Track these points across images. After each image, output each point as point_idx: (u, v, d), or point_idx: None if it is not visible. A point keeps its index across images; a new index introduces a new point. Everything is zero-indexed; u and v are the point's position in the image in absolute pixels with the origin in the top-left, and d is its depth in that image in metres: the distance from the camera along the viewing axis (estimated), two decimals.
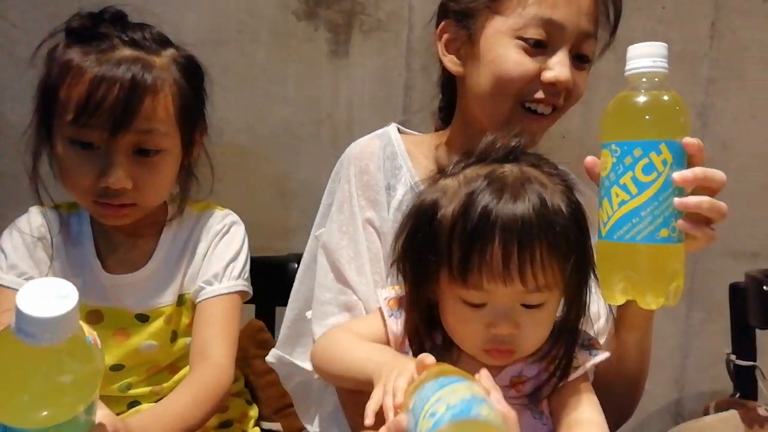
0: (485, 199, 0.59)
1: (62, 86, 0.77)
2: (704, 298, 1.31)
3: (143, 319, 0.87)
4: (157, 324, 0.87)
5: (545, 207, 0.59)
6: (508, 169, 0.63)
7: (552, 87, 0.76)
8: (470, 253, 0.59)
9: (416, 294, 0.67)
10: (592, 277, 0.65)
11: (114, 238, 0.88)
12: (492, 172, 0.62)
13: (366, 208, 0.81)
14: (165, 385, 0.87)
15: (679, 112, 0.61)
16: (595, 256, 0.63)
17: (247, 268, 0.91)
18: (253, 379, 1.01)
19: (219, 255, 0.89)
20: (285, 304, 0.91)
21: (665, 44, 0.61)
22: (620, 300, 0.61)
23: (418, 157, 0.85)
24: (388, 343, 0.69)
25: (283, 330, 0.89)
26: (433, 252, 0.63)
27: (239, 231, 0.92)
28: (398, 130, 0.88)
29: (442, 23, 0.82)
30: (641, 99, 0.61)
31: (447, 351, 0.68)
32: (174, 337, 0.88)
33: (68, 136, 0.78)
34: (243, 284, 0.90)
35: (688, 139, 0.59)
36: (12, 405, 0.45)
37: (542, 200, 0.60)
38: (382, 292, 0.72)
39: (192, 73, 0.85)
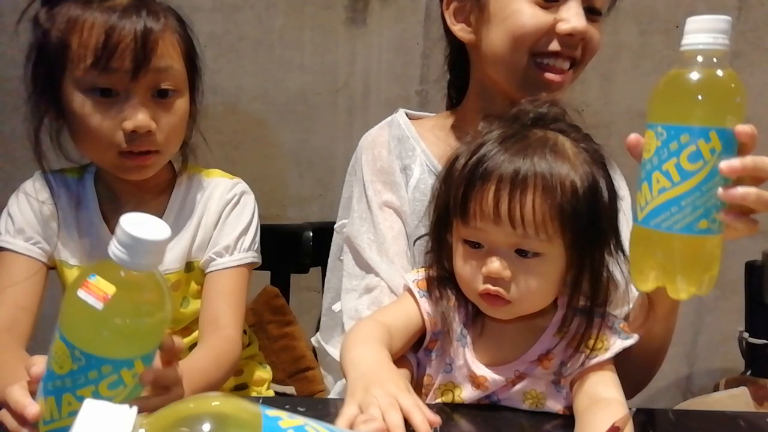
0: (494, 150, 0.62)
1: (72, 39, 0.76)
2: (719, 275, 1.30)
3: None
4: None
5: (548, 172, 0.61)
6: (533, 131, 0.65)
7: (568, 38, 0.75)
8: (468, 191, 0.62)
9: (438, 246, 0.69)
10: (615, 256, 0.66)
11: (120, 200, 0.88)
12: (513, 130, 0.65)
13: (383, 192, 0.82)
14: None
15: (733, 96, 0.56)
16: (628, 238, 0.61)
17: (257, 238, 0.91)
18: (268, 343, 1.03)
19: (230, 226, 0.89)
20: (299, 271, 0.92)
21: (728, 18, 0.55)
22: (650, 287, 0.59)
23: (429, 138, 0.86)
24: (423, 324, 0.69)
25: (322, 317, 0.91)
26: (445, 198, 0.66)
27: (249, 201, 0.92)
28: (406, 115, 0.88)
29: None
30: (694, 79, 0.55)
31: (473, 319, 0.70)
32: (184, 302, 0.90)
33: (86, 86, 0.78)
34: (253, 256, 0.90)
35: (740, 127, 0.55)
36: (99, 335, 0.49)
37: (549, 165, 0.61)
38: (409, 275, 0.73)
39: (185, 23, 0.85)
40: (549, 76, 0.76)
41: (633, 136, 0.60)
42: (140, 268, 0.49)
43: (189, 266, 0.90)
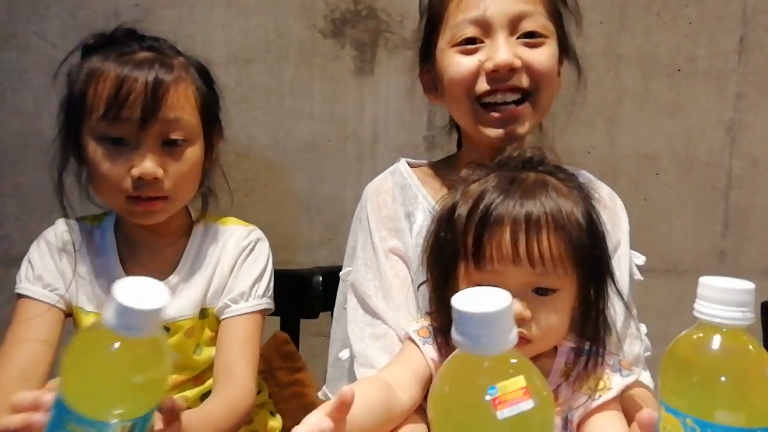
0: (501, 194, 0.63)
1: (89, 90, 0.80)
2: None
3: (165, 330, 0.88)
4: (177, 337, 0.88)
5: (558, 210, 0.62)
6: (526, 174, 0.66)
7: (495, 74, 0.77)
8: (482, 236, 0.62)
9: (441, 295, 0.68)
10: (613, 295, 0.66)
11: (137, 249, 0.90)
12: (510, 175, 0.66)
13: (388, 239, 0.82)
14: (189, 394, 0.89)
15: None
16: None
17: (271, 285, 0.92)
18: (277, 390, 1.02)
19: (245, 273, 0.90)
20: (309, 316, 0.92)
21: (752, 286, 0.46)
22: None
23: (432, 183, 0.87)
24: (430, 371, 0.68)
25: (329, 369, 0.89)
26: (452, 245, 0.66)
27: (264, 248, 0.94)
28: (408, 163, 0.90)
29: (419, 71, 0.88)
30: (725, 366, 0.45)
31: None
32: (197, 349, 0.90)
33: (98, 135, 0.81)
34: (267, 302, 0.91)
35: None
36: (93, 397, 0.46)
37: (556, 203, 0.63)
38: (409, 326, 0.73)
39: (206, 75, 0.89)
40: (494, 115, 0.78)
41: (645, 415, 0.51)
42: (135, 335, 0.46)
43: (203, 313, 0.90)
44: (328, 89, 1.26)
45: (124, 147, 0.81)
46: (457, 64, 0.79)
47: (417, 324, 0.72)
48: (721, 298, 0.46)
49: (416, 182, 0.87)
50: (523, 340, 0.63)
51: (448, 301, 0.67)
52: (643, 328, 0.83)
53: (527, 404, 0.40)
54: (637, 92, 1.29)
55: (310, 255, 1.23)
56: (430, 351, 0.69)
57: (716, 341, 0.46)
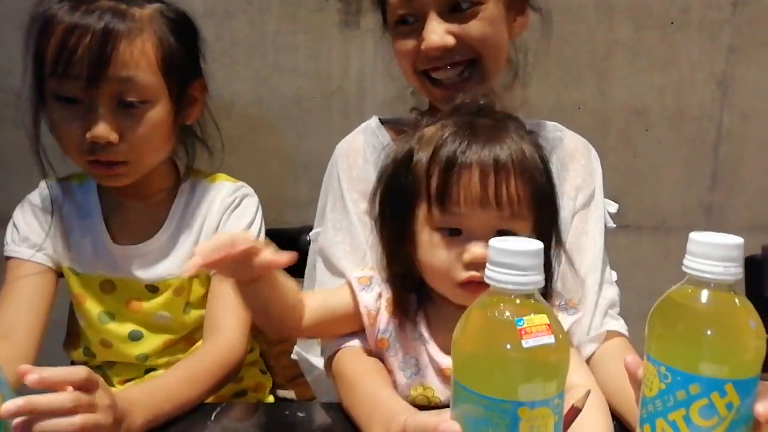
0: (464, 138, 0.64)
1: (42, 41, 0.75)
2: None
3: (153, 290, 0.88)
4: (165, 296, 0.87)
5: (520, 150, 0.64)
6: (484, 120, 0.67)
7: (430, 55, 0.78)
8: (448, 180, 0.63)
9: (395, 245, 0.69)
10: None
11: (122, 207, 0.88)
12: (468, 120, 0.67)
13: (359, 201, 0.82)
14: (181, 356, 0.88)
15: (752, 337, 0.47)
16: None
17: (261, 240, 0.91)
18: (267, 348, 1.03)
19: (230, 228, 0.88)
20: (297, 275, 0.91)
21: (741, 242, 0.47)
22: None
23: None
24: (354, 317, 0.70)
25: None
26: (410, 191, 0.66)
27: (251, 203, 0.92)
28: (381, 120, 0.89)
29: None
30: (704, 319, 0.47)
31: (427, 311, 0.70)
32: (187, 308, 0.89)
33: (52, 93, 0.77)
34: None
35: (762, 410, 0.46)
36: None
37: (518, 146, 0.64)
38: (351, 273, 0.74)
39: (180, 26, 0.82)
40: (439, 92, 0.80)
41: (631, 362, 0.53)
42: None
43: None
44: (312, 43, 1.22)
45: (78, 107, 0.76)
46: (398, 44, 0.81)
47: (361, 272, 0.73)
48: (709, 254, 0.46)
49: (387, 140, 0.85)
50: (484, 285, 0.64)
51: (399, 249, 0.69)
52: (614, 274, 0.84)
53: (549, 339, 0.43)
54: (628, 45, 1.26)
55: (298, 214, 1.22)
56: (366, 298, 0.70)
57: (703, 296, 0.47)
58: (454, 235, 0.64)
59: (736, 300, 0.47)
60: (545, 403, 0.43)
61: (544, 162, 0.67)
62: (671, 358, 0.47)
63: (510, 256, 0.44)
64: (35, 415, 0.53)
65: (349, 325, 0.71)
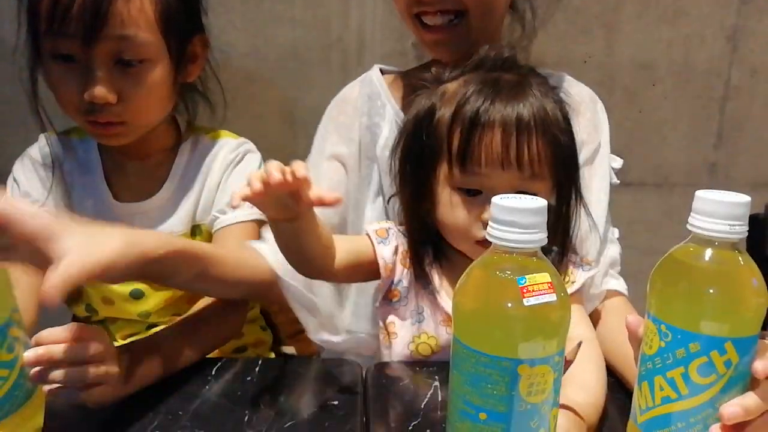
0: (488, 96, 0.62)
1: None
2: None
3: None
4: None
5: (543, 109, 0.63)
6: (507, 75, 0.66)
7: None
8: (471, 139, 0.62)
9: (413, 201, 0.69)
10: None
11: (123, 164, 0.87)
12: (491, 76, 0.65)
13: (338, 144, 0.83)
14: (183, 314, 0.88)
15: (754, 296, 0.46)
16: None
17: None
18: (267, 305, 1.03)
19: (233, 184, 0.87)
20: None
21: (748, 200, 0.46)
22: None
23: (404, 91, 0.85)
24: (375, 266, 0.71)
25: None
26: (432, 148, 0.65)
27: (254, 159, 0.91)
28: (381, 71, 0.88)
29: None
30: (707, 278, 0.46)
31: (440, 263, 0.71)
32: None
33: (49, 51, 0.75)
34: (258, 212, 0.89)
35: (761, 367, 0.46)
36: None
37: (541, 104, 0.63)
38: (368, 226, 0.74)
39: None
40: (428, 36, 0.78)
41: (632, 321, 0.53)
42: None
43: (195, 230, 0.89)
44: None
45: (75, 65, 0.74)
46: None
47: (377, 225, 0.73)
48: (714, 212, 0.46)
49: (386, 91, 0.85)
50: None
51: (419, 208, 0.69)
52: (615, 232, 0.84)
53: (550, 297, 0.43)
54: None
55: None
56: (384, 251, 0.71)
57: (707, 254, 0.47)
58: (474, 194, 0.64)
59: (740, 258, 0.47)
60: (545, 360, 0.43)
61: (566, 118, 0.66)
62: (672, 316, 0.47)
63: (513, 214, 0.43)
64: (51, 364, 0.54)
65: (372, 273, 0.72)
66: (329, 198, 0.56)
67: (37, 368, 0.54)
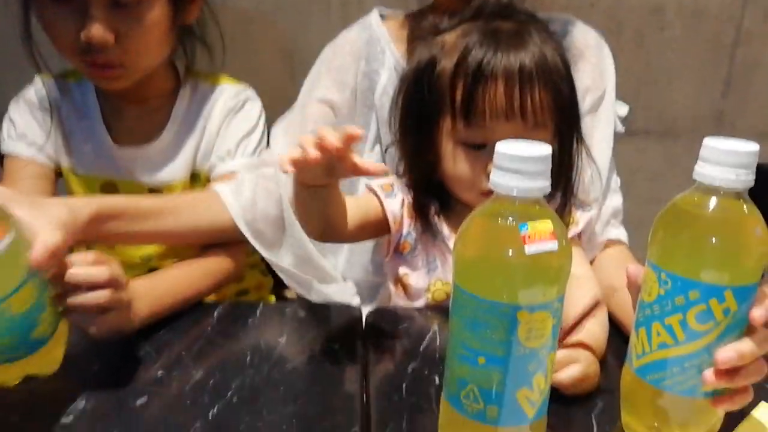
0: (487, 47, 0.61)
1: None
2: None
3: (157, 193, 0.87)
4: None
5: (544, 58, 0.62)
6: (506, 23, 0.64)
7: None
8: (474, 91, 0.61)
9: (416, 154, 0.68)
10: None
11: (122, 108, 0.86)
12: (489, 26, 0.64)
13: (330, 89, 0.81)
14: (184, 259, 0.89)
15: (756, 246, 0.46)
16: (622, 380, 0.55)
17: (264, 144, 0.89)
18: None
19: (232, 131, 0.86)
20: None
21: (756, 149, 0.45)
22: None
23: (401, 38, 0.83)
24: (384, 223, 0.70)
25: None
26: (434, 102, 0.64)
27: (254, 107, 0.89)
28: (381, 15, 0.86)
29: None
30: (710, 227, 0.46)
31: (447, 214, 0.71)
32: None
33: None
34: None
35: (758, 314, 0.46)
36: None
37: (541, 52, 0.62)
38: (372, 182, 0.73)
39: None
40: None
41: (632, 270, 0.53)
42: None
43: (194, 176, 0.88)
44: None
45: (71, 5, 0.72)
46: None
47: (382, 180, 0.72)
48: (721, 160, 0.45)
49: (385, 36, 0.83)
50: None
51: (422, 161, 0.68)
52: (617, 180, 0.84)
53: (552, 245, 0.43)
54: None
55: None
56: (391, 205, 0.70)
57: (712, 203, 0.46)
58: (479, 148, 0.63)
59: (744, 207, 0.46)
60: (545, 306, 0.43)
61: (566, 64, 0.65)
62: (673, 264, 0.47)
63: (516, 161, 0.42)
64: (71, 286, 0.55)
65: (380, 229, 0.72)
66: (375, 168, 0.55)
67: (59, 291, 0.54)
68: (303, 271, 0.83)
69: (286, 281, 0.79)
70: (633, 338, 0.51)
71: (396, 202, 0.71)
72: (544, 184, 0.43)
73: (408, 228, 0.71)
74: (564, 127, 0.65)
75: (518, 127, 0.62)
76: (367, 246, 0.86)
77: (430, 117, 0.65)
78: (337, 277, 0.83)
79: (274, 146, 0.82)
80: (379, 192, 0.71)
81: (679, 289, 0.46)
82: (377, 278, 0.87)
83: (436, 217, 0.71)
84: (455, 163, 0.65)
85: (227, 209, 0.76)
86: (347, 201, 0.67)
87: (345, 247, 0.88)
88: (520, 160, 0.42)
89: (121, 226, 0.68)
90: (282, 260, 0.79)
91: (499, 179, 0.43)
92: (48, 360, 0.55)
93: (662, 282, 0.47)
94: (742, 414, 0.53)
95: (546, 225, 0.43)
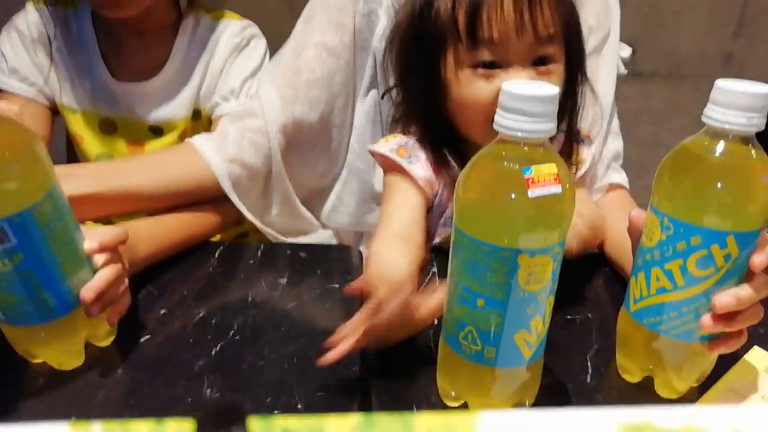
0: None
1: None
2: None
3: (157, 131, 0.85)
4: (170, 138, 0.85)
5: None
6: None
7: None
8: (479, 8, 0.59)
9: (424, 102, 0.65)
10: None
11: (121, 41, 0.83)
12: None
13: (326, 31, 0.77)
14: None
15: (763, 191, 0.45)
16: (618, 323, 0.55)
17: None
18: None
19: (236, 70, 0.84)
20: None
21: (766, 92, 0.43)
22: (637, 378, 0.54)
23: None
24: (425, 196, 0.66)
25: None
26: (436, 39, 0.62)
27: (260, 45, 0.87)
28: None
29: None
30: (716, 172, 0.45)
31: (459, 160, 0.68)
32: None
33: None
34: None
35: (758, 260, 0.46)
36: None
37: None
38: (380, 147, 0.67)
39: None
40: None
41: (635, 214, 0.52)
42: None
43: (196, 113, 0.86)
44: None
45: None
46: None
47: (387, 144, 0.68)
48: (731, 102, 0.44)
49: None
50: None
51: (426, 101, 0.65)
52: (617, 123, 0.82)
53: (556, 189, 0.42)
54: None
55: None
56: (418, 170, 0.66)
57: (719, 147, 0.45)
58: (492, 68, 0.60)
59: (753, 152, 0.46)
60: (546, 251, 0.43)
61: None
62: (676, 209, 0.47)
63: (521, 101, 0.41)
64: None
65: (428, 203, 0.68)
66: (438, 301, 0.51)
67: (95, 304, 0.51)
68: (286, 222, 0.83)
69: (270, 237, 0.79)
70: (631, 283, 0.52)
71: (419, 166, 0.66)
72: (550, 126, 0.42)
73: (438, 186, 0.68)
74: (571, 55, 0.63)
75: (530, 43, 0.59)
76: (354, 195, 0.86)
77: (433, 56, 0.62)
78: (318, 226, 0.83)
79: (264, 95, 0.77)
80: (402, 162, 0.66)
81: (681, 234, 0.46)
82: (359, 227, 0.86)
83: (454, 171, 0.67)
84: (468, 87, 0.62)
85: (208, 166, 0.72)
86: (413, 229, 0.60)
87: (332, 195, 0.87)
88: (525, 101, 0.41)
89: (81, 186, 0.64)
90: (266, 213, 0.78)
91: (503, 120, 0.42)
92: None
93: (664, 227, 0.47)
94: (734, 357, 0.54)
95: (550, 168, 0.42)
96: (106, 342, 0.56)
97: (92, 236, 0.52)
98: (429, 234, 0.71)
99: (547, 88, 0.42)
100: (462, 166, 0.68)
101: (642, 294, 0.50)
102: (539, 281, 0.44)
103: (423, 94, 0.65)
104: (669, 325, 0.49)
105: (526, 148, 0.43)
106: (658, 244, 0.48)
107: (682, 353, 0.50)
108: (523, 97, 0.41)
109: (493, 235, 0.43)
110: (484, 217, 0.44)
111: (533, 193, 0.42)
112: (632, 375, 0.54)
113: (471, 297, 0.45)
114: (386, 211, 0.64)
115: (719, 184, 0.45)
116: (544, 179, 0.42)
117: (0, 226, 0.45)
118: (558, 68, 0.62)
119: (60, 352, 0.53)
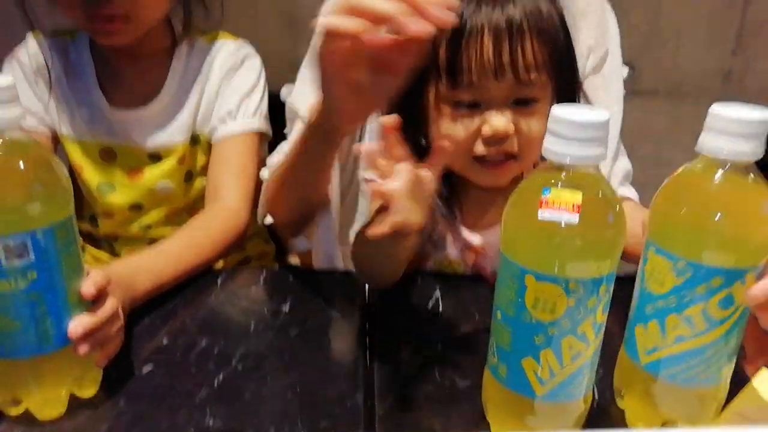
0: (470, 5, 0.58)
1: None
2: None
3: (156, 157, 0.86)
4: (169, 163, 0.86)
5: (538, 11, 0.59)
6: None
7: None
8: (459, 49, 0.58)
9: (408, 132, 0.64)
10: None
11: (117, 68, 0.83)
12: None
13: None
14: None
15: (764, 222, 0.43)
16: (621, 369, 0.52)
17: (265, 105, 0.87)
18: None
19: (232, 90, 0.85)
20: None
21: (766, 117, 0.41)
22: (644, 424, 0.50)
23: None
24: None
25: None
26: (417, 70, 0.60)
27: (254, 64, 0.87)
28: None
29: None
30: (724, 208, 0.42)
31: (457, 195, 0.69)
32: (189, 177, 0.88)
33: None
34: (259, 122, 0.86)
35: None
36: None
37: (534, 3, 0.59)
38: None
39: None
40: None
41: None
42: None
43: (194, 139, 0.87)
44: None
45: None
46: None
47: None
48: (727, 130, 0.41)
49: None
50: (507, 160, 0.63)
51: (412, 136, 0.62)
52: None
53: (570, 218, 0.40)
54: None
55: (294, 74, 1.16)
56: None
57: (715, 178, 0.43)
58: (472, 107, 0.61)
59: (758, 196, 0.43)
60: (552, 280, 0.42)
61: (561, 18, 0.62)
62: (690, 251, 0.43)
63: (567, 127, 0.40)
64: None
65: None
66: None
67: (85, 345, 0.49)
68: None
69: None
70: (637, 330, 0.48)
71: None
72: (597, 152, 0.40)
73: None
74: (563, 85, 0.63)
75: (510, 85, 0.59)
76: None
77: (416, 89, 0.62)
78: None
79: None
80: None
81: (701, 277, 0.43)
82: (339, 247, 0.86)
83: (446, 197, 0.68)
84: (448, 124, 0.62)
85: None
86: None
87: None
88: (570, 126, 0.40)
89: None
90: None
91: (552, 146, 0.41)
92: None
93: (679, 271, 0.44)
94: (743, 382, 0.53)
95: (573, 196, 0.40)
96: (90, 391, 0.52)
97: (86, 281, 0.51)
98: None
99: (595, 113, 0.41)
100: (447, 189, 0.68)
101: (656, 344, 0.47)
102: (549, 311, 0.42)
103: (406, 128, 0.65)
104: (692, 372, 0.46)
105: (562, 173, 0.42)
106: (673, 290, 0.45)
107: (705, 399, 0.47)
108: (568, 122, 0.40)
109: (509, 249, 0.44)
110: (506, 231, 0.45)
111: (542, 214, 0.41)
112: (640, 422, 0.50)
113: (495, 308, 0.46)
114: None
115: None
116: (560, 204, 0.40)
117: (22, 240, 0.45)
118: (542, 107, 0.61)
119: (46, 396, 0.49)
